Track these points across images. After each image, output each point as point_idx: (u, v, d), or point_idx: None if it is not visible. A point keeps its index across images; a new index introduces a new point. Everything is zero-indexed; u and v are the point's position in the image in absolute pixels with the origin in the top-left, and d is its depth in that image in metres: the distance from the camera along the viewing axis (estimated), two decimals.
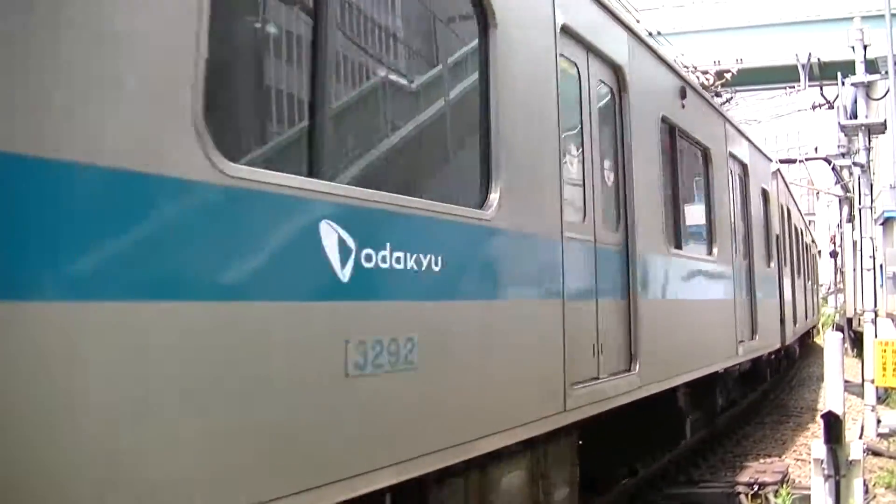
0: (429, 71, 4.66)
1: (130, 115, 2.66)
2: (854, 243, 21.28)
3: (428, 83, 4.58)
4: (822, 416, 6.87)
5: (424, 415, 3.89)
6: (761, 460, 10.86)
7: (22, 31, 2.38)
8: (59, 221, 2.44)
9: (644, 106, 7.11)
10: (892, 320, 16.11)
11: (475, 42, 4.63)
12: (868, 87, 15.86)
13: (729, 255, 9.95)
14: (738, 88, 23.90)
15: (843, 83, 16.79)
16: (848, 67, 16.38)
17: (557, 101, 5.36)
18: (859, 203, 16.30)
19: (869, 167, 16.21)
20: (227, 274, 2.96)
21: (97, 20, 2.57)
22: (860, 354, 17.33)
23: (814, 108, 24.36)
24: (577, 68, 5.92)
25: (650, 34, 12.95)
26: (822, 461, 6.64)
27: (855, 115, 16.10)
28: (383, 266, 3.61)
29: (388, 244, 3.65)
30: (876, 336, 13.25)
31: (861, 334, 16.48)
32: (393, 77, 4.33)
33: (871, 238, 15.49)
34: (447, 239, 4.15)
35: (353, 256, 3.45)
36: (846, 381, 7.94)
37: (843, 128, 16.94)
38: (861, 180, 16.18)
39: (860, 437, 11.28)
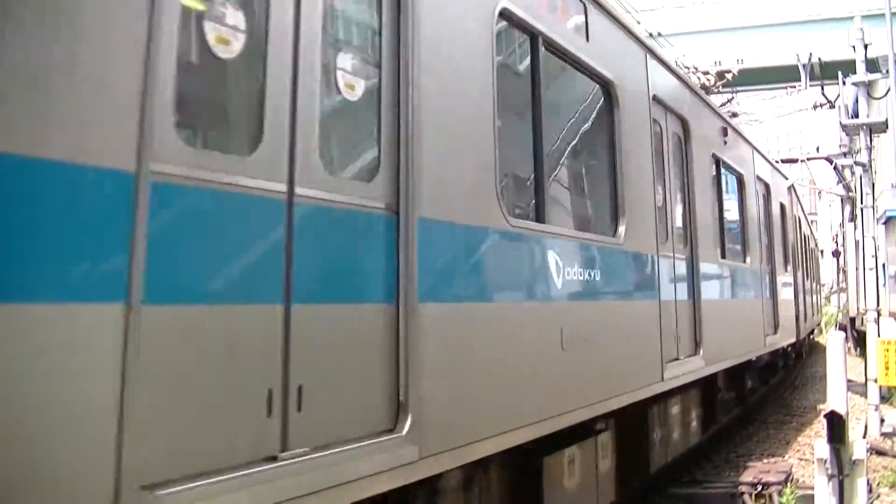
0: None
1: None
2: (856, 243, 21.28)
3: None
4: (826, 416, 6.88)
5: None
6: (765, 460, 10.86)
7: None
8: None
9: None
10: (895, 319, 16.09)
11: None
12: (869, 86, 15.89)
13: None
14: (738, 89, 23.93)
15: (843, 82, 16.82)
16: (849, 67, 16.41)
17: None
18: (861, 202, 16.31)
19: (870, 166, 16.21)
20: None
21: None
22: (863, 354, 17.32)
23: (815, 107, 24.37)
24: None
25: (650, 35, 13.02)
26: (825, 461, 6.65)
27: (856, 115, 16.13)
28: None
29: None
30: (879, 335, 13.25)
31: (864, 334, 16.47)
32: None
33: (874, 237, 15.50)
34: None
35: None
36: (849, 381, 7.96)
37: (844, 127, 16.98)
38: (863, 179, 16.19)
39: (863, 437, 11.26)
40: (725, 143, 10.99)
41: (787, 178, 17.56)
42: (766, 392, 16.44)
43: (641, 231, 7.06)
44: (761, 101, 29.49)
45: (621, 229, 6.55)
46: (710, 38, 26.97)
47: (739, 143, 12.37)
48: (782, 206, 15.86)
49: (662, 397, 8.10)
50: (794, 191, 19.53)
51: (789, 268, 15.92)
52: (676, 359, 7.78)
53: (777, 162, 23.01)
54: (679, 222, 8.67)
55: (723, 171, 10.87)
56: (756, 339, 12.22)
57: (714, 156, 10.30)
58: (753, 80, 24.92)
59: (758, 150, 13.64)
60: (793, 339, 16.10)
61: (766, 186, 14.13)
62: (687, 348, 8.26)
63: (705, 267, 9.16)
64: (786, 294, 15.07)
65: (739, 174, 11.91)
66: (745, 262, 11.58)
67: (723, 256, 10.33)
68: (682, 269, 8.46)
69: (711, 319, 9.04)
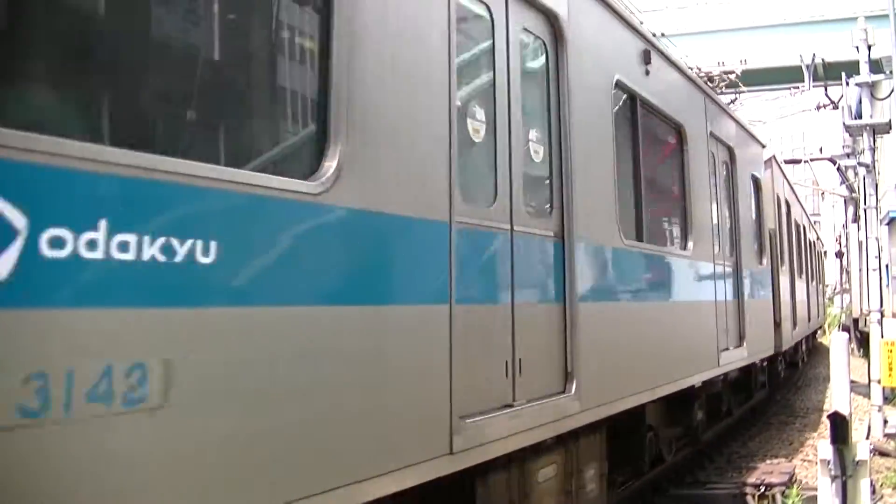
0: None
1: None
2: (860, 243, 21.26)
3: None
4: (829, 417, 6.87)
5: None
6: (768, 461, 10.85)
7: None
8: None
9: None
10: None
11: None
12: (872, 87, 15.87)
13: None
14: (742, 89, 23.91)
15: (847, 83, 16.81)
16: (852, 67, 16.38)
17: None
18: (864, 203, 16.30)
19: (874, 167, 16.21)
20: None
21: None
22: (867, 355, 17.30)
23: (818, 108, 24.36)
24: None
25: (654, 35, 12.78)
26: (828, 462, 6.63)
27: (859, 116, 16.11)
28: None
29: None
30: (882, 336, 13.22)
31: (867, 334, 16.46)
32: None
33: (877, 238, 15.48)
34: None
35: None
36: (853, 382, 7.93)
37: (847, 128, 16.97)
38: (866, 180, 16.17)
39: (867, 438, 11.26)
40: (648, 73, 7.65)
41: (764, 146, 13.55)
42: (765, 396, 16.41)
43: (401, 179, 3.94)
44: (764, 102, 29.47)
45: (328, 167, 3.45)
46: (713, 38, 26.96)
47: (678, 81, 8.86)
48: (756, 181, 12.49)
49: (522, 456, 5.11)
50: (777, 164, 15.24)
51: (766, 261, 12.77)
52: (508, 406, 4.77)
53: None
54: (530, 176, 5.41)
55: (641, 112, 7.59)
56: (702, 356, 8.75)
57: (621, 85, 7.04)
58: (757, 80, 24.88)
59: (713, 99, 10.06)
60: (769, 353, 12.85)
61: (729, 151, 10.56)
62: (540, 385, 5.15)
63: (591, 251, 6.01)
64: (761, 294, 12.02)
65: (677, 124, 8.47)
66: (684, 249, 8.33)
67: (639, 238, 7.19)
68: (530, 252, 5.22)
69: (604, 334, 6.04)
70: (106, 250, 2.52)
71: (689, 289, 8.53)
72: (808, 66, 21.35)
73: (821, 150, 33.60)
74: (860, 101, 16.28)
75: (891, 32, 15.07)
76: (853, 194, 29.14)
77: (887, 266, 17.20)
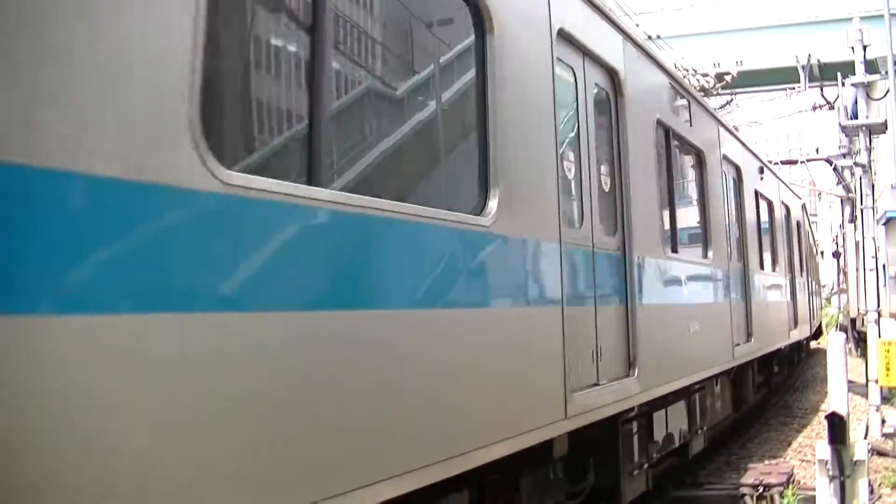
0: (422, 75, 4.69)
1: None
2: (856, 244, 21.27)
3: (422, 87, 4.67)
4: (827, 417, 6.88)
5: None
6: (766, 462, 10.85)
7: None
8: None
9: None
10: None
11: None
12: (868, 87, 15.88)
13: None
14: (738, 91, 23.96)
15: (843, 84, 16.82)
16: (848, 68, 16.40)
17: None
18: (861, 203, 16.31)
19: (870, 167, 16.22)
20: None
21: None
22: (864, 355, 17.31)
23: (814, 109, 24.41)
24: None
25: (649, 38, 12.69)
26: (826, 462, 6.65)
27: (855, 116, 16.14)
28: None
29: None
30: (879, 336, 13.23)
31: (865, 335, 16.47)
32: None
33: (874, 238, 15.49)
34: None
35: None
36: (850, 382, 7.95)
37: (843, 128, 16.97)
38: (862, 181, 16.19)
39: (865, 438, 11.26)
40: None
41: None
42: (765, 395, 16.42)
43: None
44: (760, 103, 29.55)
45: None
46: (709, 40, 27.00)
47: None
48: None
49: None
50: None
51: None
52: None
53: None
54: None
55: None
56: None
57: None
58: (752, 81, 24.96)
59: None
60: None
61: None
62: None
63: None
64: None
65: None
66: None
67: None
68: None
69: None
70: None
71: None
72: (803, 67, 21.42)
73: (817, 150, 33.63)
74: (856, 102, 16.31)
75: (886, 33, 15.10)
76: (850, 194, 29.16)
77: (884, 266, 17.22)
